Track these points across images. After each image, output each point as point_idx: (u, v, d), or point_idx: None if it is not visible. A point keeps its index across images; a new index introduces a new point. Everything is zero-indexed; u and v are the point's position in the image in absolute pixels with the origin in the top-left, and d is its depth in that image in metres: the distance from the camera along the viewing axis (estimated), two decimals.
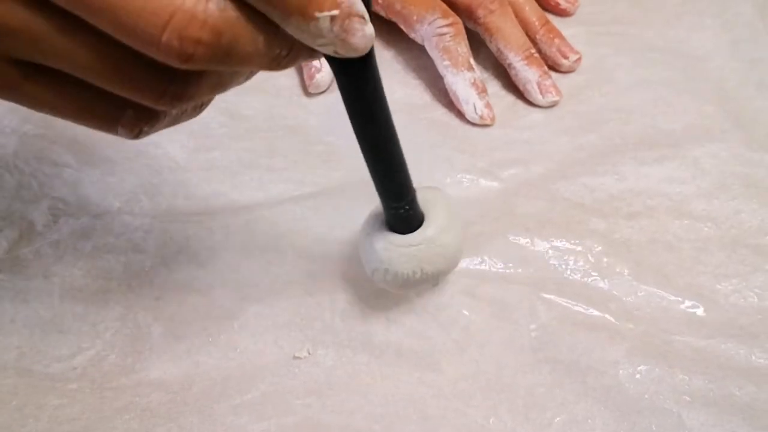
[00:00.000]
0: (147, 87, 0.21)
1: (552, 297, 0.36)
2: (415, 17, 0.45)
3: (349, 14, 0.20)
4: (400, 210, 0.31)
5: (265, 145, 0.43)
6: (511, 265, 0.37)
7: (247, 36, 0.20)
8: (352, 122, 0.26)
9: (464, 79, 0.44)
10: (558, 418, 0.32)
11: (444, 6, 0.46)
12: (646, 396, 0.32)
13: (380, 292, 0.36)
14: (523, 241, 0.38)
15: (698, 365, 0.33)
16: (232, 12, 0.20)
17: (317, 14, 0.20)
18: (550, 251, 0.37)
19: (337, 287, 0.36)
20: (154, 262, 0.37)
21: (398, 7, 0.46)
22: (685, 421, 0.31)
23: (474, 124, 0.45)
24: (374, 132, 0.26)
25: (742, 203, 0.39)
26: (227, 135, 0.43)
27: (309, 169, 0.42)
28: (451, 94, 0.45)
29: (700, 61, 0.48)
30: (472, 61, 0.45)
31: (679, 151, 0.42)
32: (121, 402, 0.32)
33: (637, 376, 0.33)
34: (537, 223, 0.38)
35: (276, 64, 0.22)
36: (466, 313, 0.35)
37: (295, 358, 0.34)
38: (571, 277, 0.37)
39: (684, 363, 0.33)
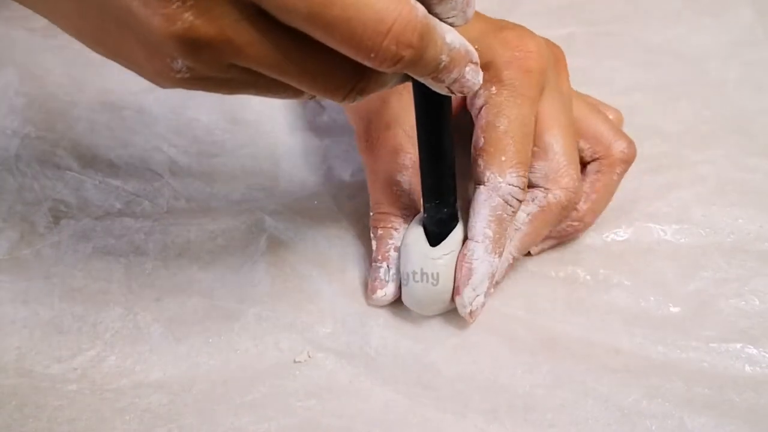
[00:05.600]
0: (338, 85, 0.23)
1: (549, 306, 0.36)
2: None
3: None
4: (439, 213, 0.33)
5: (267, 150, 0.43)
6: (509, 273, 0.37)
7: (437, 41, 0.22)
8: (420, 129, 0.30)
9: (490, 265, 0.33)
10: (559, 420, 0.32)
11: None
12: (645, 401, 0.32)
13: None
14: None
15: (696, 372, 0.33)
16: (430, 20, 0.22)
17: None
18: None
19: (337, 290, 0.36)
20: (155, 263, 0.37)
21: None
22: (686, 422, 0.31)
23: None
24: (436, 137, 0.29)
25: (741, 209, 0.40)
26: (230, 140, 0.44)
27: (311, 173, 0.42)
28: (460, 261, 0.34)
29: (698, 62, 0.48)
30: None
31: (677, 157, 0.42)
32: (121, 403, 0.32)
33: (636, 383, 0.33)
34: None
35: (436, 73, 0.23)
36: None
37: (295, 362, 0.34)
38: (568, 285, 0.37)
39: (683, 370, 0.33)
